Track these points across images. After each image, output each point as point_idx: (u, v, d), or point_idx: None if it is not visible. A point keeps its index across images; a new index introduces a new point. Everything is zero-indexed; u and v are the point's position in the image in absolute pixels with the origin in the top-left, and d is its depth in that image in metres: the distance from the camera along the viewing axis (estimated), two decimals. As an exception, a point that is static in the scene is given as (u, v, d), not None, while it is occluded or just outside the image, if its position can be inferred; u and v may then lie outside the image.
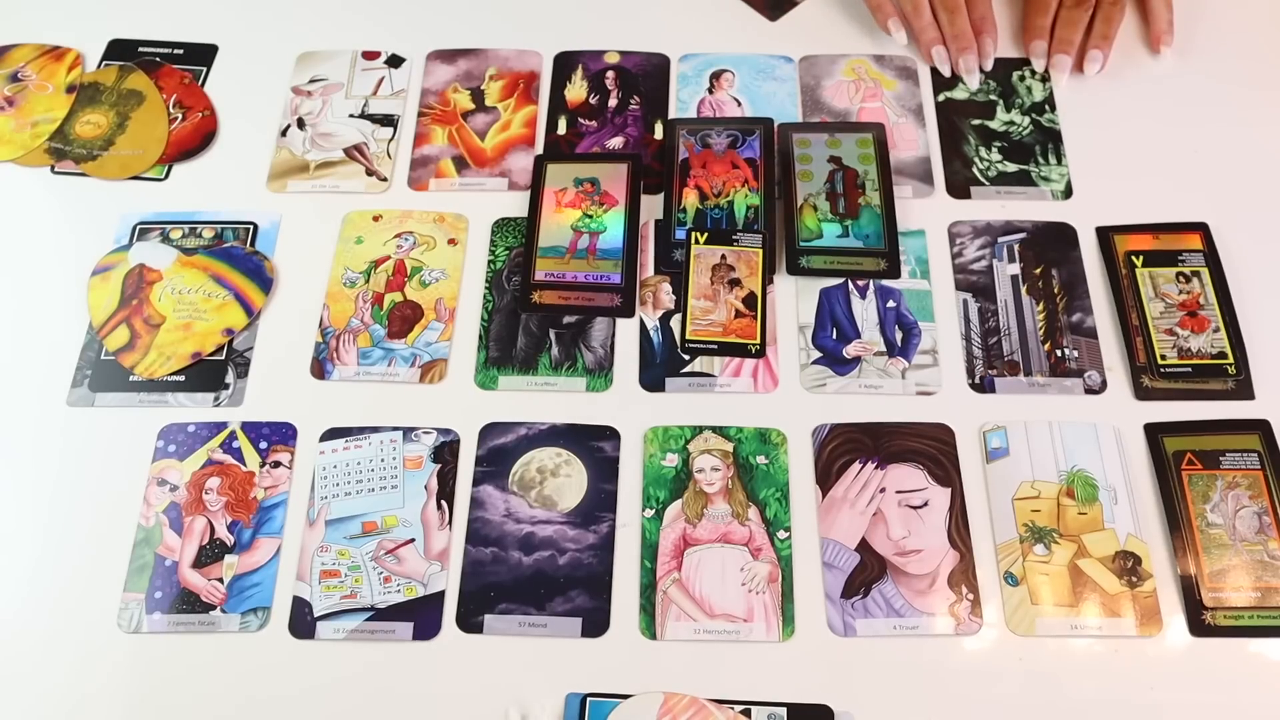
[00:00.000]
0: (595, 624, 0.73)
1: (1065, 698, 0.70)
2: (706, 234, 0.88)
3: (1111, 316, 0.85)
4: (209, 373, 0.84)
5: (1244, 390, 0.81)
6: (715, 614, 0.73)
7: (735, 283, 0.86)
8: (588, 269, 0.87)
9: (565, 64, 1.02)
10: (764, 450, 0.79)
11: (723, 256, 0.87)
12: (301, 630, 0.73)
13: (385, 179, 0.94)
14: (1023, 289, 0.87)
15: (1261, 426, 0.79)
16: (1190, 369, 0.82)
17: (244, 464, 0.79)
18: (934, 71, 1.00)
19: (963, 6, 0.99)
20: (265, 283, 0.88)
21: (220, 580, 0.75)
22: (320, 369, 0.84)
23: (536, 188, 0.91)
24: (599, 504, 0.77)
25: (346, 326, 0.86)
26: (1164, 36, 0.99)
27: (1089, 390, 0.82)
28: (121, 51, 1.03)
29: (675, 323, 0.85)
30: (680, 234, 0.88)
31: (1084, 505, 0.76)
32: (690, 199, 0.90)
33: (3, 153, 0.96)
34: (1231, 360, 0.82)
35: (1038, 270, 0.88)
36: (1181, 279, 0.85)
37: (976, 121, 0.97)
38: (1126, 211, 0.90)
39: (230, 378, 0.83)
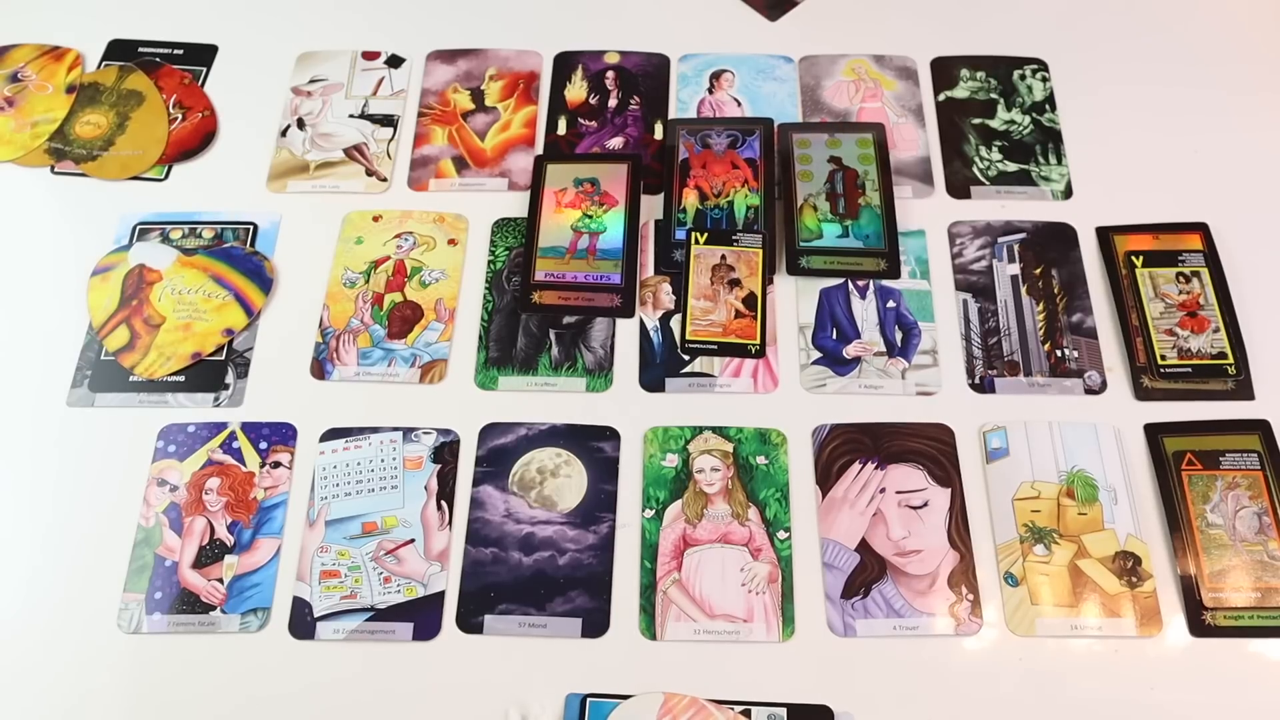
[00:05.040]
0: (595, 624, 0.73)
1: (1065, 698, 0.70)
2: (706, 234, 0.88)
3: (1111, 317, 0.85)
4: (209, 373, 0.84)
5: (1244, 390, 0.81)
6: (715, 614, 0.73)
7: (735, 283, 0.86)
8: (588, 269, 0.87)
9: (565, 64, 1.02)
10: (764, 450, 0.79)
11: (723, 257, 0.87)
12: (301, 631, 0.73)
13: (385, 179, 0.94)
14: (1023, 289, 0.87)
15: (1261, 427, 0.79)
16: (1190, 369, 0.82)
17: (244, 464, 0.79)
18: (934, 71, 1.00)
19: None
20: (265, 283, 0.88)
21: (220, 580, 0.75)
22: (320, 369, 0.84)
23: (536, 188, 0.91)
24: (599, 504, 0.77)
25: (346, 327, 0.86)
26: None
27: (1089, 390, 0.82)
28: (121, 51, 1.03)
29: (675, 323, 0.85)
30: (680, 234, 0.88)
31: (1084, 505, 0.76)
32: (690, 199, 0.90)
33: (3, 153, 0.96)
34: (1231, 360, 0.82)
35: (1038, 270, 0.88)
36: (1181, 279, 0.85)
37: (977, 120, 0.97)
38: (1126, 211, 0.90)
39: (230, 378, 0.84)
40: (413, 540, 0.76)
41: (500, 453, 0.80)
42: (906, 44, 1.02)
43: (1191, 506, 0.76)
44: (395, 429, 0.81)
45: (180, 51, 1.03)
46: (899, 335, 0.85)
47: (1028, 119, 0.97)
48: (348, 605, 0.74)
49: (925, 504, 0.77)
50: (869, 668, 0.71)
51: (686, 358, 0.84)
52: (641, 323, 0.86)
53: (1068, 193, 0.92)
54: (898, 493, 0.77)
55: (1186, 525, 0.75)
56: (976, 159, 0.94)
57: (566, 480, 0.78)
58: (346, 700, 0.71)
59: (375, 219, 0.92)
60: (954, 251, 0.89)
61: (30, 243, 0.91)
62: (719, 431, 0.80)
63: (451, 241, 0.90)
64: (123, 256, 0.89)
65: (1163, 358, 0.82)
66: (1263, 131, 0.95)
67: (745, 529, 0.76)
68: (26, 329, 0.86)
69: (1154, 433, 0.79)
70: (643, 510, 0.77)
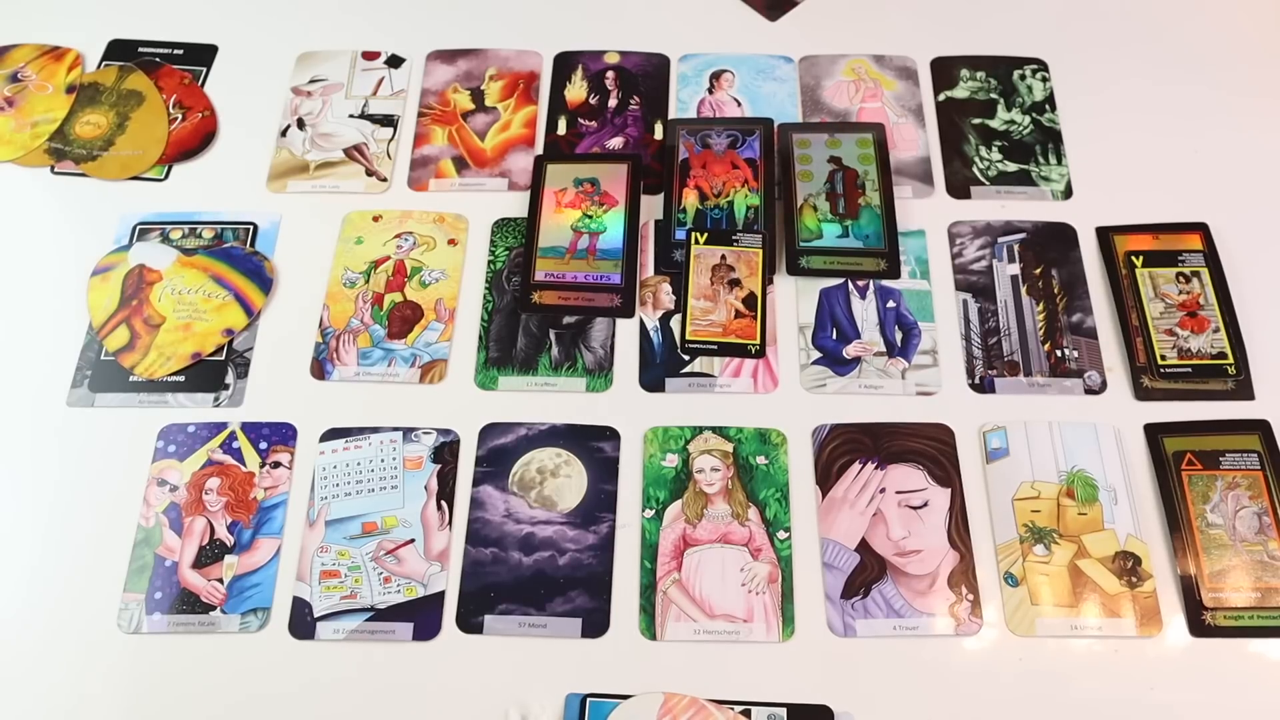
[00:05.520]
0: (595, 624, 0.73)
1: (1065, 698, 0.70)
2: (706, 234, 0.88)
3: (1111, 317, 0.85)
4: (209, 373, 0.84)
5: (1244, 390, 0.81)
6: (715, 614, 0.73)
7: (735, 283, 0.86)
8: (588, 269, 0.87)
9: (565, 64, 1.02)
10: (764, 450, 0.79)
11: (723, 257, 0.87)
12: (301, 631, 0.73)
13: (385, 179, 0.94)
14: (1023, 289, 0.87)
15: (1261, 427, 0.79)
16: (1190, 369, 0.82)
17: (244, 464, 0.79)
18: (934, 71, 1.00)
19: None
20: (265, 283, 0.88)
21: (220, 581, 0.75)
22: (320, 369, 0.84)
23: (536, 188, 0.91)
24: (599, 504, 0.77)
25: (346, 327, 0.86)
26: None
27: (1089, 390, 0.82)
28: (121, 51, 1.03)
29: (675, 323, 0.85)
30: (680, 234, 0.88)
31: (1084, 505, 0.76)
32: (690, 199, 0.90)
33: (3, 153, 0.96)
34: (1231, 360, 0.82)
35: (1038, 270, 0.88)
36: (1181, 279, 0.85)
37: (977, 121, 0.97)
38: (1126, 211, 0.90)
39: (230, 378, 0.84)
40: (413, 540, 0.76)
41: (500, 453, 0.80)
42: (906, 44, 1.02)
43: (1191, 506, 0.76)
44: (395, 429, 0.81)
45: (180, 51, 1.03)
46: (899, 335, 0.85)
47: (1028, 119, 0.97)
48: (348, 605, 0.74)
49: (925, 504, 0.77)
50: (869, 668, 0.71)
51: (686, 358, 0.84)
52: (641, 323, 0.86)
53: (1068, 193, 0.92)
54: (898, 493, 0.77)
55: (1186, 525, 0.75)
56: (976, 159, 0.94)
57: (566, 480, 0.78)
58: (346, 700, 0.71)
59: (375, 219, 0.92)
60: (954, 251, 0.89)
61: (30, 243, 0.91)
62: (719, 431, 0.80)
63: (451, 241, 0.90)
64: (123, 256, 0.89)
65: (1163, 358, 0.82)
66: (1263, 131, 0.95)
67: (745, 529, 0.76)
68: (26, 329, 0.86)
69: (1154, 433, 0.79)
70: (643, 510, 0.77)
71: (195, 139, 0.97)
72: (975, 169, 0.94)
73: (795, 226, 0.88)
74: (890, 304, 0.86)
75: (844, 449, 0.79)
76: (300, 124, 0.97)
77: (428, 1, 1.06)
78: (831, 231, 0.88)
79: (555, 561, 0.75)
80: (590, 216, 0.90)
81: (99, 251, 0.90)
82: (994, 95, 0.98)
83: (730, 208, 0.90)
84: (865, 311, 0.86)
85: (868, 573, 0.74)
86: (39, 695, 0.71)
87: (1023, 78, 0.99)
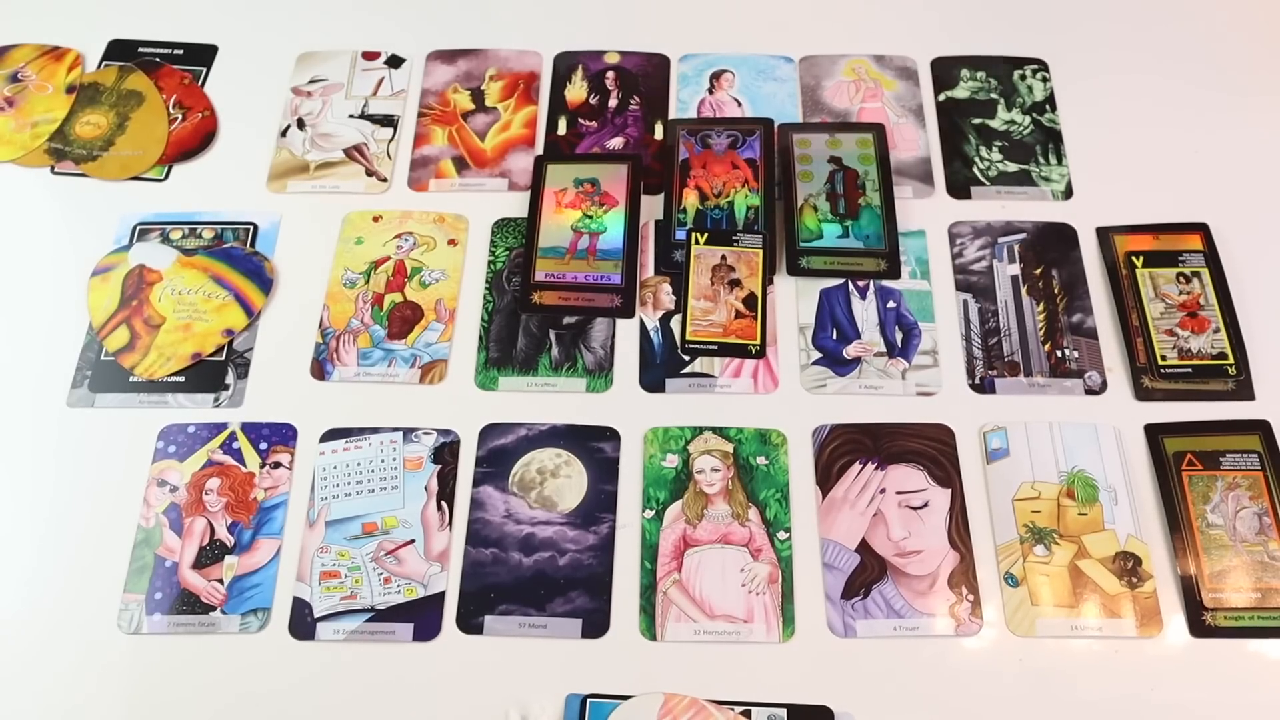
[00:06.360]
0: (595, 625, 0.73)
1: (1065, 698, 0.70)
2: (707, 234, 0.88)
3: (1112, 317, 0.85)
4: (209, 373, 0.84)
5: (1244, 391, 0.81)
6: (715, 615, 0.73)
7: (735, 283, 0.86)
8: (588, 269, 0.87)
9: (565, 64, 1.02)
10: (764, 451, 0.79)
11: (723, 257, 0.87)
12: (301, 631, 0.73)
13: (385, 179, 0.94)
14: (1023, 289, 0.87)
15: (1262, 427, 0.79)
16: (1190, 369, 0.82)
17: (244, 465, 0.79)
18: (934, 71, 1.00)
19: None
20: (265, 283, 0.88)
21: (220, 581, 0.75)
22: (320, 369, 0.84)
23: (536, 188, 0.91)
24: (599, 505, 0.77)
25: (346, 327, 0.86)
26: None
27: (1089, 391, 0.82)
28: (121, 52, 1.03)
29: (675, 323, 0.85)
30: (680, 234, 0.88)
31: (1084, 506, 0.76)
32: (690, 199, 0.90)
33: (3, 153, 0.96)
34: (1232, 361, 0.82)
35: (1038, 271, 0.88)
36: (1182, 279, 0.85)
37: (977, 121, 0.97)
38: (1127, 212, 0.90)
39: (230, 378, 0.83)
40: (413, 541, 0.76)
41: (500, 453, 0.80)
42: (906, 44, 1.02)
43: (1192, 507, 0.76)
44: (395, 429, 0.81)
45: (180, 51, 1.03)
46: (899, 335, 0.84)
47: (1028, 119, 0.97)
48: (348, 606, 0.74)
49: (925, 504, 0.77)
50: (869, 668, 0.71)
51: (687, 358, 0.84)
52: (641, 323, 0.86)
53: (1068, 193, 0.92)
54: (898, 493, 0.77)
55: (1187, 526, 0.75)
56: (977, 159, 0.94)
57: (567, 481, 0.78)
58: (347, 701, 0.71)
59: (375, 219, 0.92)
60: (954, 252, 0.89)
61: (30, 243, 0.91)
62: (719, 432, 0.80)
63: (451, 242, 0.90)
64: (123, 257, 0.89)
65: (1163, 358, 0.82)
66: (1263, 131, 0.95)
67: (745, 529, 0.76)
68: (26, 329, 0.86)
69: (1154, 433, 0.79)
70: (643, 511, 0.77)
71: (195, 139, 0.97)
72: (975, 169, 0.94)
73: (795, 227, 0.88)
74: (890, 304, 0.86)
75: (844, 449, 0.79)
76: (300, 124, 0.97)
77: (428, 1, 1.06)
78: (832, 232, 0.88)
79: (555, 562, 0.75)
80: (590, 217, 0.90)
81: (99, 251, 0.90)
82: (994, 95, 0.98)
83: (730, 208, 0.90)
84: (865, 312, 0.86)
85: (868, 573, 0.74)
86: (39, 695, 0.71)
87: (1023, 78, 0.99)
